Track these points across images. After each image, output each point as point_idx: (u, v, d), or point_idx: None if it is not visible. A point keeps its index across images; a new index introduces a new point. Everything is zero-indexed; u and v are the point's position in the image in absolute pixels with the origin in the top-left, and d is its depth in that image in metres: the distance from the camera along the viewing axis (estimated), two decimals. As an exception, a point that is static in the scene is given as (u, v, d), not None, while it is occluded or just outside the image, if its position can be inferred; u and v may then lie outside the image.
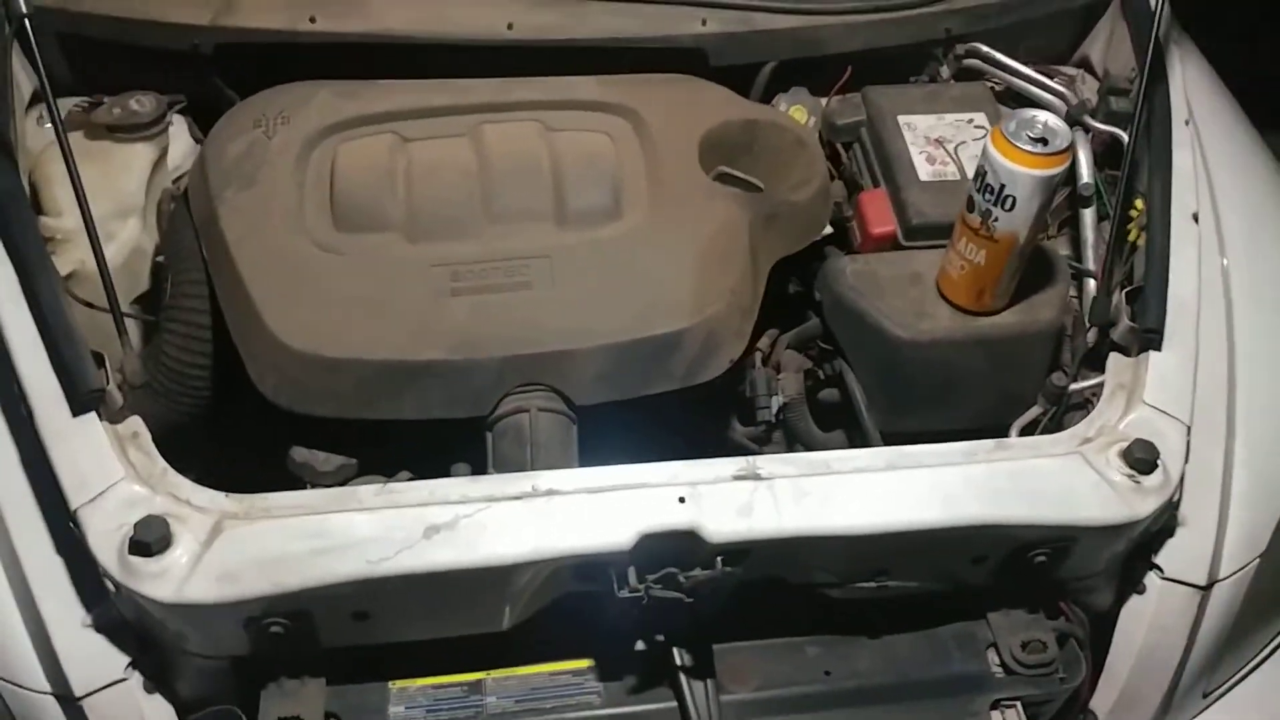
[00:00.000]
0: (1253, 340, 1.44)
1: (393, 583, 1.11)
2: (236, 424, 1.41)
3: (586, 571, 1.16)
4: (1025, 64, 1.72)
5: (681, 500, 1.16)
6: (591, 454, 1.31)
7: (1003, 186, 1.27)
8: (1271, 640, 1.46)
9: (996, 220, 1.30)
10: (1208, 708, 1.42)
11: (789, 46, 1.61)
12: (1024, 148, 1.25)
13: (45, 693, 1.17)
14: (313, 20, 1.51)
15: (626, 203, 1.39)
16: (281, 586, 1.10)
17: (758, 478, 1.18)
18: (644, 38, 1.55)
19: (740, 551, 1.16)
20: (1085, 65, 1.80)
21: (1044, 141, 1.26)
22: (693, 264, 1.34)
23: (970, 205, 1.32)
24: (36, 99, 1.61)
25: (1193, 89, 1.67)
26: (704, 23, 1.56)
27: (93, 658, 1.17)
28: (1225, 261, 1.51)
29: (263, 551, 1.11)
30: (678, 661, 1.21)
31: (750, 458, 1.20)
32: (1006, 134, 1.26)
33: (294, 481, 1.35)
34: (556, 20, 1.54)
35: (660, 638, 1.24)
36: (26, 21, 1.23)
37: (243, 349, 1.31)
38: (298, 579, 1.10)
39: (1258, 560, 1.34)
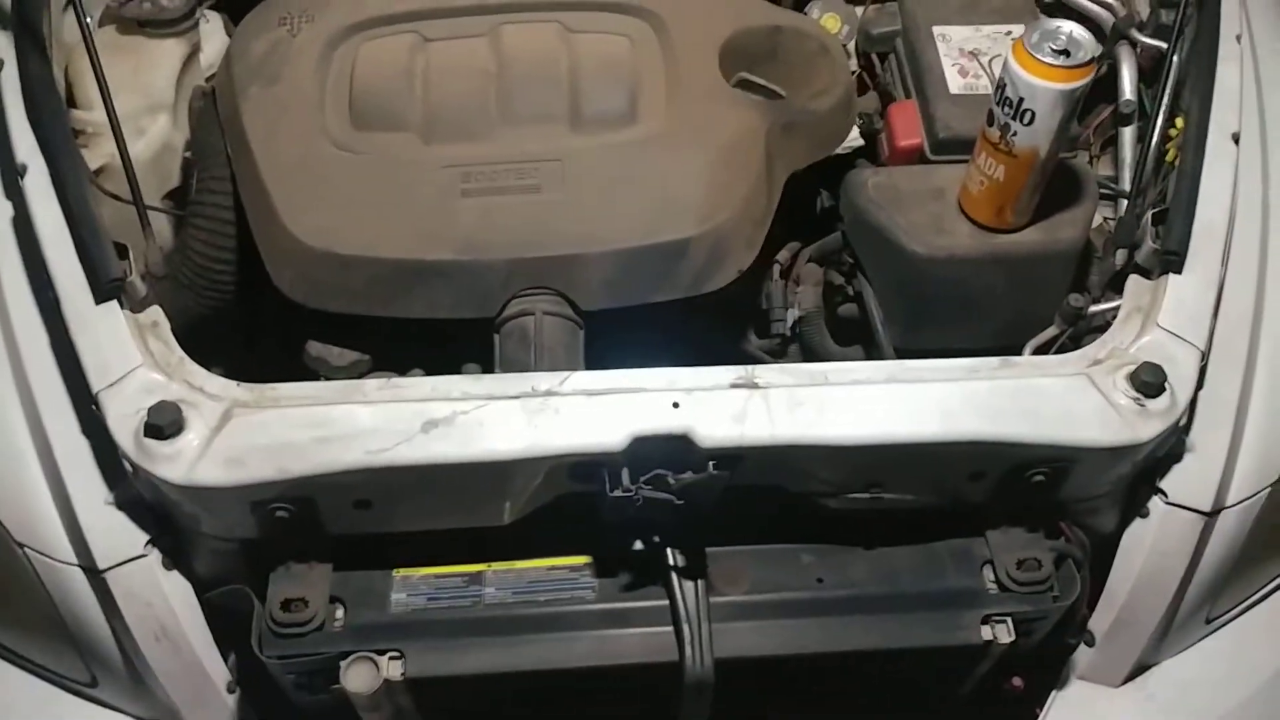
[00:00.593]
0: (1287, 269, 1.40)
1: (392, 473, 1.14)
2: (258, 317, 1.45)
3: (581, 471, 1.18)
4: (1075, -28, 1.67)
5: (676, 405, 1.17)
6: (599, 360, 1.32)
7: (1021, 100, 1.24)
8: (1283, 569, 1.45)
9: (1015, 135, 1.27)
10: (1212, 633, 1.41)
11: None
12: (1045, 60, 1.21)
13: (73, 564, 1.23)
14: None
15: (642, 107, 1.38)
16: (285, 473, 1.14)
17: (754, 386, 1.19)
18: None
19: (732, 457, 1.17)
20: (1140, -26, 1.73)
21: (1066, 54, 1.22)
22: (705, 171, 1.34)
23: (990, 119, 1.29)
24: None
25: (1255, 1, 1.60)
26: None
27: (114, 533, 1.22)
28: (1267, 186, 1.45)
29: (269, 438, 1.15)
30: (670, 562, 1.23)
31: (749, 367, 1.21)
32: (1028, 45, 1.22)
33: (310, 375, 1.39)
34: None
35: (656, 539, 1.27)
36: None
37: (261, 244, 1.34)
38: (300, 465, 1.14)
39: (1268, 489, 1.32)
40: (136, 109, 1.48)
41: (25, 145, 1.34)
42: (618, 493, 1.16)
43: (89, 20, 1.57)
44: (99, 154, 1.45)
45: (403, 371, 1.38)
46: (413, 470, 1.14)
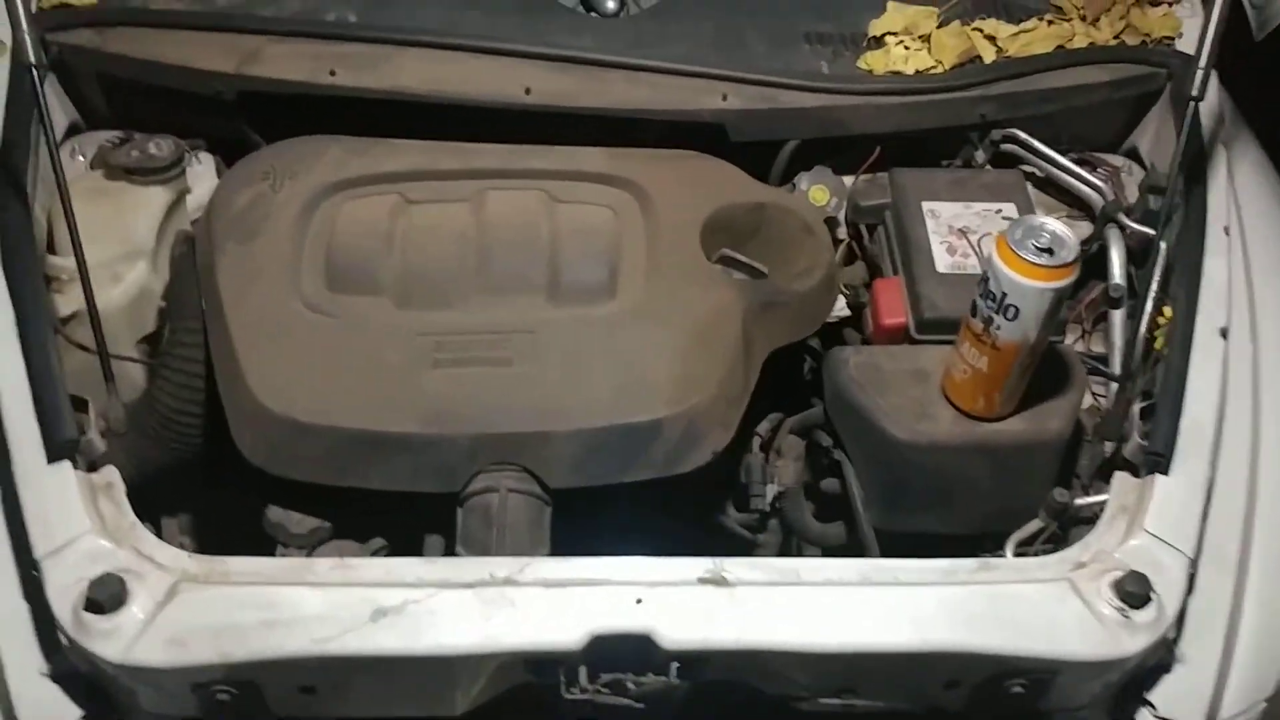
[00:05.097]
0: (1278, 468, 1.35)
1: (337, 662, 1.10)
2: (222, 472, 1.41)
3: (537, 667, 1.13)
4: (1066, 152, 1.66)
5: (639, 601, 1.12)
6: (569, 537, 1.28)
7: (1004, 295, 1.21)
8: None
9: (999, 329, 1.24)
10: None
11: (813, 126, 1.57)
12: (1028, 258, 1.19)
13: (-2, 736, 1.18)
14: (332, 74, 1.51)
15: (622, 281, 1.36)
16: (227, 657, 1.09)
17: (722, 582, 1.14)
18: (662, 110, 1.52)
19: (697, 659, 1.12)
20: (1133, 155, 1.73)
21: (1050, 251, 1.20)
22: (680, 350, 1.31)
23: (974, 310, 1.27)
24: (73, 130, 1.66)
25: (1245, 190, 1.59)
26: (725, 98, 1.53)
27: (46, 705, 1.17)
28: (1258, 380, 1.42)
29: (213, 618, 1.11)
30: (629, 764, 1.17)
31: (718, 560, 1.16)
32: (1011, 242, 1.20)
33: (270, 541, 1.35)
34: (575, 86, 1.52)
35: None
36: (35, 72, 1.25)
37: (225, 402, 1.31)
38: (243, 650, 1.10)
39: (1264, 704, 1.26)
40: (114, 255, 1.46)
41: (-6, 292, 1.33)
42: (575, 694, 1.10)
43: (79, 163, 1.59)
44: (72, 300, 1.43)
45: (363, 540, 1.34)
46: (358, 660, 1.09)
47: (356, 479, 1.27)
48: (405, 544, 1.34)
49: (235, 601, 1.12)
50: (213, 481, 1.45)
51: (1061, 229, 1.21)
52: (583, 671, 1.12)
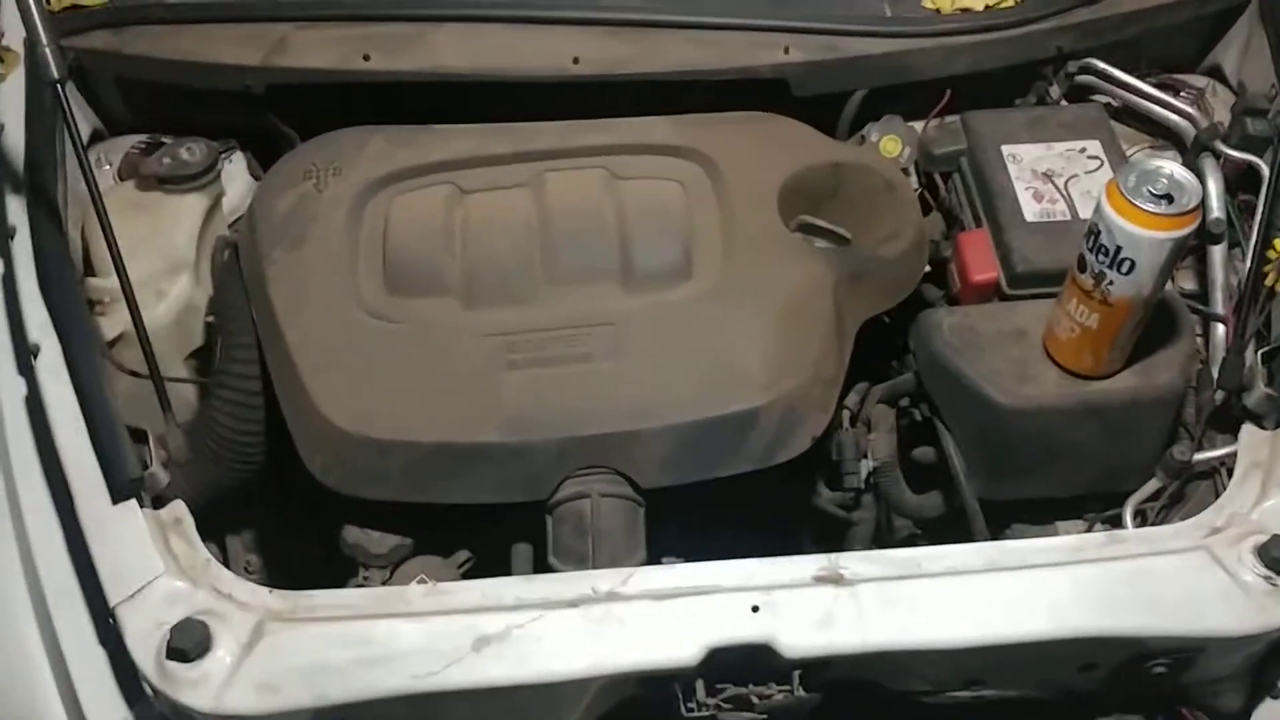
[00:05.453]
0: None
1: (439, 696, 1.04)
2: (292, 493, 1.34)
3: (650, 683, 1.07)
4: (1145, 77, 1.56)
5: (755, 609, 1.06)
6: (662, 537, 1.22)
7: (1119, 249, 1.12)
8: None
9: (1111, 284, 1.16)
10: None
11: (881, 73, 1.47)
12: (1145, 206, 1.10)
13: (84, 792, 1.13)
14: (367, 58, 1.42)
15: (698, 261, 1.28)
16: (323, 699, 1.04)
17: (840, 581, 1.08)
18: (720, 69, 1.43)
19: (820, 664, 1.05)
20: (1216, 74, 1.63)
21: (1169, 199, 1.11)
22: (770, 332, 1.23)
23: (1081, 264, 1.18)
24: (96, 138, 1.58)
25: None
26: (786, 50, 1.43)
27: (133, 759, 1.12)
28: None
29: (305, 659, 1.06)
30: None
31: (832, 556, 1.10)
32: (1124, 190, 1.11)
33: (348, 559, 1.28)
34: (625, 52, 1.43)
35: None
36: (59, 87, 1.16)
37: (291, 424, 1.24)
38: (340, 692, 1.04)
39: None
40: (156, 271, 1.39)
41: (37, 321, 1.26)
42: (693, 710, 1.04)
43: (105, 172, 1.51)
44: (117, 322, 1.36)
45: (447, 555, 1.28)
46: (463, 693, 1.03)
47: (439, 495, 1.20)
48: (492, 555, 1.27)
49: (326, 639, 1.06)
50: (280, 502, 1.39)
51: (1181, 171, 1.12)
52: (700, 685, 1.05)
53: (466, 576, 1.28)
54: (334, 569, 1.30)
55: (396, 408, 1.20)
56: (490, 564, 1.26)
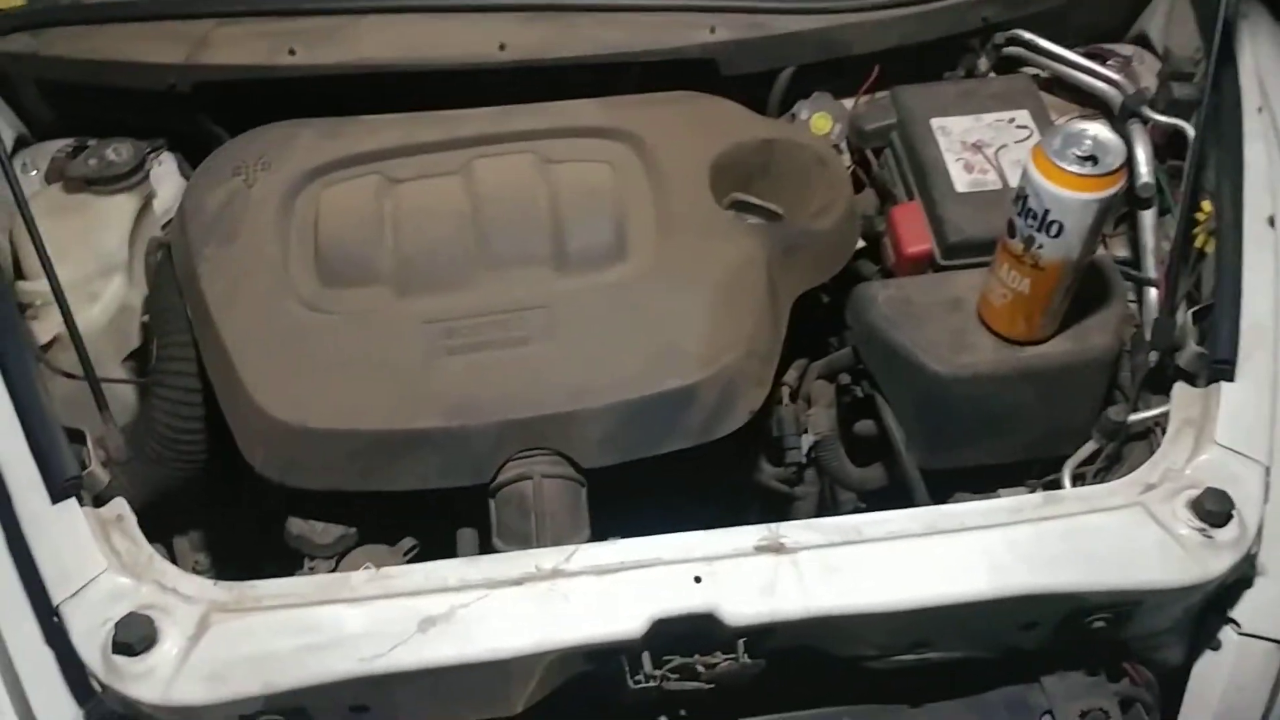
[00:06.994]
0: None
1: (389, 678, 1.04)
2: (234, 488, 1.33)
3: (597, 658, 1.07)
4: (1073, 47, 1.58)
5: (698, 580, 1.06)
6: (605, 516, 1.22)
7: (1047, 212, 1.14)
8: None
9: (1041, 248, 1.17)
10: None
11: (809, 49, 1.49)
12: (1070, 169, 1.12)
13: (40, 793, 1.12)
14: (292, 53, 1.42)
15: (631, 241, 1.28)
16: (272, 686, 1.03)
17: (781, 549, 1.08)
18: (648, 50, 1.43)
19: (764, 632, 1.06)
20: (1142, 42, 1.65)
21: (1093, 160, 1.12)
22: (705, 308, 1.24)
23: (1011, 230, 1.19)
24: (20, 144, 1.55)
25: (1268, 70, 1.51)
26: (712, 30, 1.44)
27: (85, 755, 1.11)
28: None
29: (251, 647, 1.05)
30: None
31: (773, 525, 1.10)
32: (1049, 152, 1.12)
33: (293, 551, 1.28)
34: (552, 36, 1.43)
35: (683, 713, 1.15)
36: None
37: (229, 419, 1.24)
38: (288, 678, 1.03)
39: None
40: (88, 273, 1.38)
41: (-32, 328, 1.24)
42: (640, 681, 1.05)
43: (32, 177, 1.49)
44: (50, 325, 1.35)
45: (393, 542, 1.28)
46: (411, 674, 1.03)
47: (381, 482, 1.19)
48: (437, 542, 1.27)
49: (272, 627, 1.06)
50: (223, 498, 1.38)
51: (1105, 133, 1.13)
52: (646, 657, 1.06)
53: (412, 563, 1.27)
54: (282, 563, 1.29)
55: (335, 398, 1.19)
56: (436, 551, 1.26)
